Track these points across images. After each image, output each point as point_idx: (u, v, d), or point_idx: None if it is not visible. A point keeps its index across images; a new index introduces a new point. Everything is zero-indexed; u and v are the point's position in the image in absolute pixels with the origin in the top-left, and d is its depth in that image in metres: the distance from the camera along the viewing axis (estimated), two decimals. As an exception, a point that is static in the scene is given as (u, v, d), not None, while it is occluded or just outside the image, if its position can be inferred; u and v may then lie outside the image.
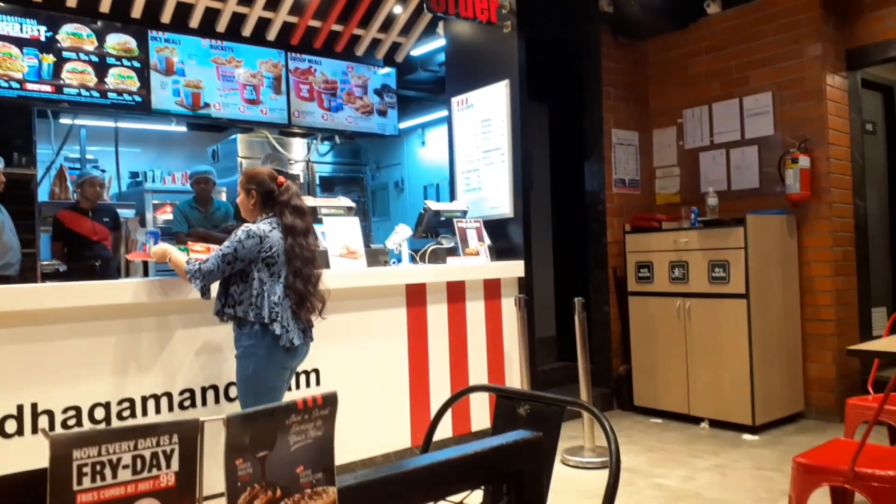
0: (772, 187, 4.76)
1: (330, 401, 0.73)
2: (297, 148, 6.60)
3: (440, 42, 5.62)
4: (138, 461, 0.59)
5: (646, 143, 5.49)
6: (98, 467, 0.57)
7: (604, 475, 3.90)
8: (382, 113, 6.00)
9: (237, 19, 5.16)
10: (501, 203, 4.68)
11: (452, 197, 5.17)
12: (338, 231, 3.90)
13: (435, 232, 4.68)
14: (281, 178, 2.86)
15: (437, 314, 4.17)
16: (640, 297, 4.95)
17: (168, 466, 0.61)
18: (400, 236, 4.47)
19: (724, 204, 4.82)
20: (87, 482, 0.57)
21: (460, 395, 1.50)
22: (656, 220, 4.99)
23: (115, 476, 0.58)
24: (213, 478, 0.65)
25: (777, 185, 4.71)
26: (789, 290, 4.63)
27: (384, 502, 0.78)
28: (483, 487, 0.99)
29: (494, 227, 4.65)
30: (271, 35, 5.31)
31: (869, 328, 4.80)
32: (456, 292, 4.27)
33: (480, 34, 4.84)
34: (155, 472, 0.60)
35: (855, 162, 4.76)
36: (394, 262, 4.42)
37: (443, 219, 4.61)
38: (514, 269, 4.49)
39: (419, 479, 0.82)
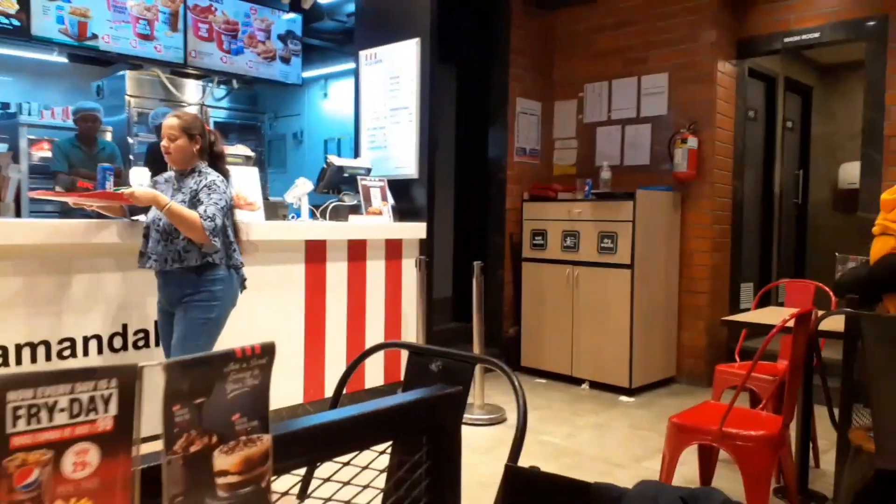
0: (661, 165, 5.03)
1: (268, 350, 0.72)
2: (191, 90, 6.27)
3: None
4: (75, 405, 0.57)
5: (547, 114, 5.63)
6: (33, 410, 0.54)
7: (494, 431, 4.05)
8: (286, 60, 5.78)
9: (132, -55, 4.80)
10: (407, 163, 4.68)
11: (356, 153, 5.10)
12: (236, 181, 3.76)
13: (337, 188, 4.61)
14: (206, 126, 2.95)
15: (336, 272, 4.14)
16: (533, 263, 5.13)
17: (106, 411, 0.59)
18: (300, 190, 4.36)
19: (617, 178, 5.05)
20: (21, 425, 0.54)
21: (373, 350, 1.52)
22: (553, 189, 5.16)
23: (51, 419, 0.56)
24: (148, 424, 0.63)
25: (666, 163, 4.98)
26: (670, 262, 4.94)
27: (319, 449, 0.79)
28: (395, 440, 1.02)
29: (398, 187, 4.64)
30: (169, -34, 4.98)
31: (738, 301, 5.22)
32: (357, 251, 4.25)
33: (393, -12, 4.75)
34: (92, 416, 0.58)
35: (737, 146, 5.10)
36: (293, 217, 4.34)
37: (346, 175, 4.55)
38: (416, 230, 4.52)
39: (349, 428, 0.84)
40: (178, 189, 2.81)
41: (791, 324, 2.51)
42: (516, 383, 1.31)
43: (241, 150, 4.17)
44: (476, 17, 5.49)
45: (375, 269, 4.36)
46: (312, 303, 3.99)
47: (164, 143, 2.77)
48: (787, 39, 4.82)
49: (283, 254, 3.86)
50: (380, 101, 4.85)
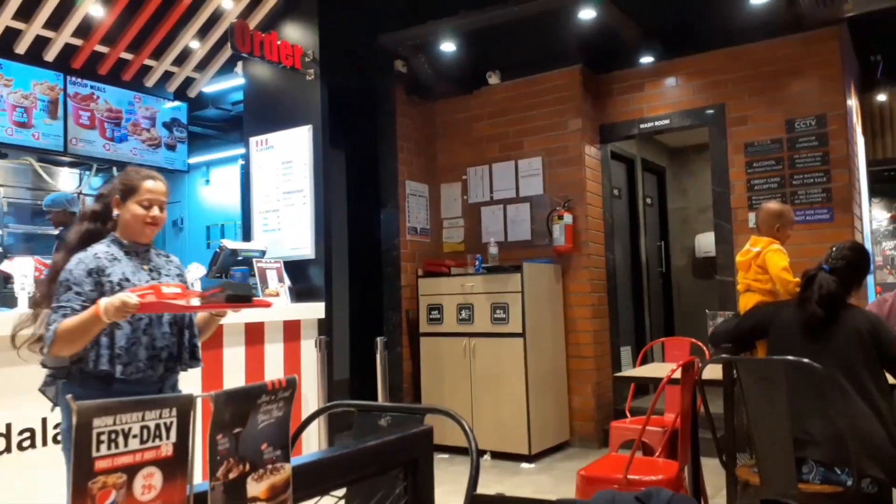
0: (541, 239, 5.40)
1: (292, 384, 0.80)
2: (66, 178, 6.04)
3: (236, 81, 5.58)
4: (145, 431, 0.63)
5: (435, 196, 5.92)
6: (113, 435, 0.60)
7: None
8: (171, 147, 5.74)
9: (11, 35, 4.67)
10: (302, 244, 4.73)
11: (247, 237, 5.09)
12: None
13: (230, 272, 4.57)
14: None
15: (233, 357, 4.05)
16: (431, 337, 5.25)
17: (168, 437, 0.65)
18: (193, 275, 4.29)
19: (503, 253, 5.35)
20: (103, 449, 0.59)
21: (319, 413, 1.56)
22: (446, 265, 5.37)
23: (126, 444, 0.61)
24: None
25: (545, 237, 5.35)
26: (557, 329, 5.24)
27: (324, 481, 0.87)
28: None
29: (295, 268, 4.67)
30: (50, 56, 4.87)
31: (619, 364, 5.58)
32: (255, 334, 4.20)
33: (283, 78, 4.92)
34: (157, 442, 0.64)
35: (606, 221, 5.58)
36: (185, 303, 4.23)
37: (240, 258, 4.53)
38: (315, 310, 4.53)
39: (348, 464, 0.92)
40: (150, 269, 2.29)
41: (678, 374, 2.78)
42: (466, 426, 1.42)
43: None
44: (363, 106, 5.75)
45: (274, 352, 4.31)
46: (210, 389, 3.86)
47: (152, 212, 2.25)
48: (642, 126, 5.43)
49: (179, 341, 3.75)
50: (272, 185, 4.91)
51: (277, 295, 4.39)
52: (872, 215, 6.95)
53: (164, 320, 2.21)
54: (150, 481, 0.63)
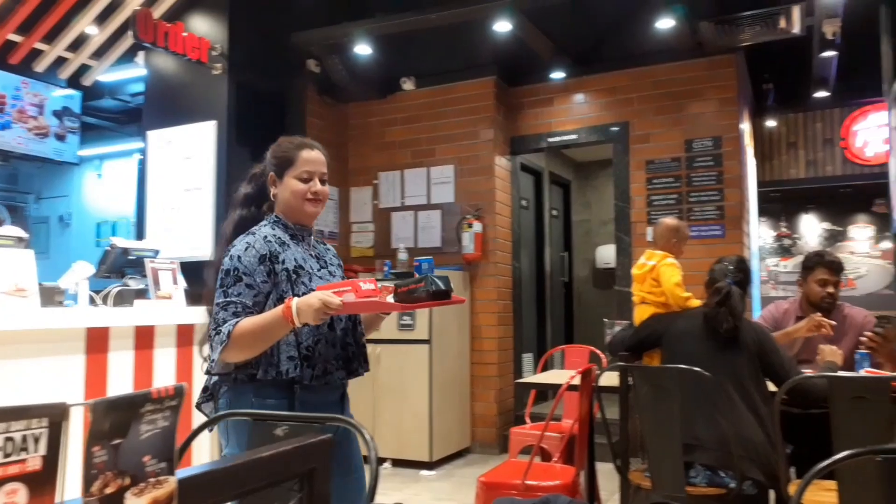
0: (451, 247, 5.42)
1: (179, 392, 0.75)
2: (-61, 166, 5.55)
3: (137, 71, 5.31)
4: (10, 444, 0.56)
5: (344, 199, 5.84)
6: (-31, 449, 0.54)
7: None
8: (61, 137, 5.39)
9: None
10: (202, 245, 4.54)
11: (140, 235, 4.84)
12: (7, 265, 3.39)
13: (121, 272, 4.32)
14: None
15: (120, 362, 3.83)
16: (334, 343, 5.15)
17: (36, 450, 0.59)
18: (79, 274, 4.03)
19: (413, 259, 5.34)
20: (-43, 464, 0.53)
21: (212, 422, 1.49)
22: (353, 270, 5.30)
23: (-15, 458, 0.55)
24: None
25: (455, 245, 5.39)
26: (463, 336, 5.27)
27: (213, 494, 0.82)
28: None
29: (192, 270, 4.46)
30: (-76, 31, 4.48)
31: (521, 371, 5.68)
32: (145, 338, 3.98)
33: (188, 72, 4.72)
34: (24, 455, 0.57)
35: (514, 231, 5.68)
36: (69, 304, 3.96)
37: (132, 258, 4.29)
38: (213, 313, 4.35)
39: (239, 475, 0.87)
40: (317, 256, 1.97)
41: (577, 381, 2.85)
42: (367, 435, 1.39)
43: (13, 230, 3.77)
44: (272, 104, 5.60)
45: (165, 357, 4.10)
46: (94, 397, 3.63)
47: (314, 186, 1.91)
48: (550, 139, 5.57)
49: (60, 344, 3.50)
50: (171, 182, 4.70)
51: (170, 298, 4.19)
52: (759, 233, 7.42)
53: (342, 315, 1.87)
54: (12, 498, 0.57)
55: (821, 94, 5.91)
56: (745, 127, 5.57)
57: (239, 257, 1.79)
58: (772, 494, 2.66)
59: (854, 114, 6.28)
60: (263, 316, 1.71)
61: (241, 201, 2.02)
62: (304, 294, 1.76)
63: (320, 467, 1.05)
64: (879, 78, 4.69)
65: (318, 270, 1.90)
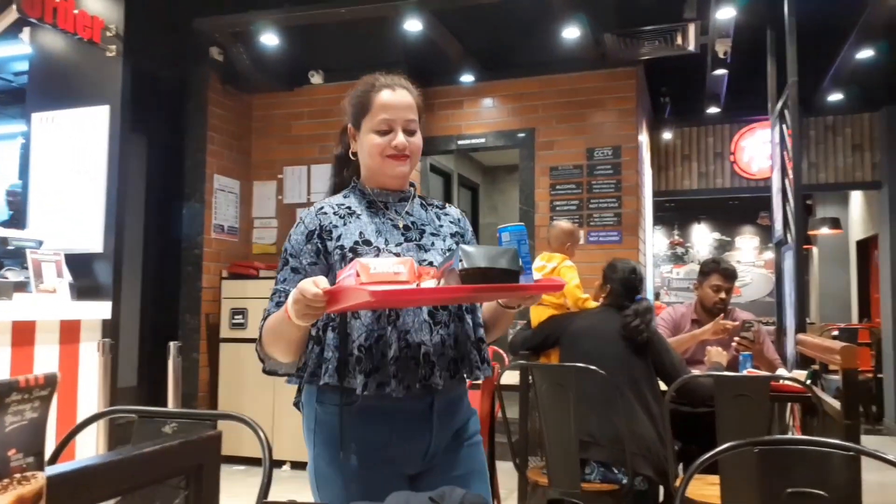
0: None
1: (51, 381, 0.68)
2: None
3: (21, 48, 4.93)
4: None
5: (246, 193, 5.65)
6: None
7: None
8: (-70, 116, 4.92)
9: None
10: (90, 237, 4.26)
11: (21, 224, 4.49)
12: None
13: (-2, 263, 4.00)
14: None
15: (-6, 359, 3.54)
16: (232, 343, 4.98)
17: None
18: (-52, 264, 3.70)
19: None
20: None
21: (92, 419, 1.38)
22: (254, 267, 5.13)
23: None
24: None
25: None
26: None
27: (90, 491, 0.75)
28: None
29: (79, 262, 4.19)
30: None
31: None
32: (23, 334, 3.70)
33: (79, 52, 4.42)
34: None
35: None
36: (-62, 296, 3.63)
37: (10, 248, 3.98)
38: (99, 310, 4.10)
39: (119, 471, 0.81)
40: (407, 227, 1.55)
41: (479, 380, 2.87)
42: (260, 433, 1.34)
43: None
44: (172, 91, 5.35)
45: (46, 355, 3.83)
46: (-37, 397, 3.34)
47: (394, 139, 1.52)
48: (459, 142, 5.61)
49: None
50: (57, 169, 4.39)
51: (54, 291, 3.91)
52: (654, 240, 7.78)
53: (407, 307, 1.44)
54: None
55: (713, 109, 6.26)
56: (644, 138, 5.82)
57: (290, 235, 1.51)
58: (662, 490, 2.78)
59: (742, 130, 6.68)
60: (278, 313, 1.40)
61: (333, 166, 1.67)
62: None
63: (209, 464, 1.00)
64: (765, 97, 5.02)
65: (398, 245, 1.47)
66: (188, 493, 0.96)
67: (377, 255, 1.42)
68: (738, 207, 10.74)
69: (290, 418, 4.79)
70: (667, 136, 6.82)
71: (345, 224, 1.48)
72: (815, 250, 10.54)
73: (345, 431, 1.42)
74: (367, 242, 1.46)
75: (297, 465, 4.76)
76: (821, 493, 1.22)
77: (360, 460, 1.42)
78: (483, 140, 5.54)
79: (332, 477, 1.46)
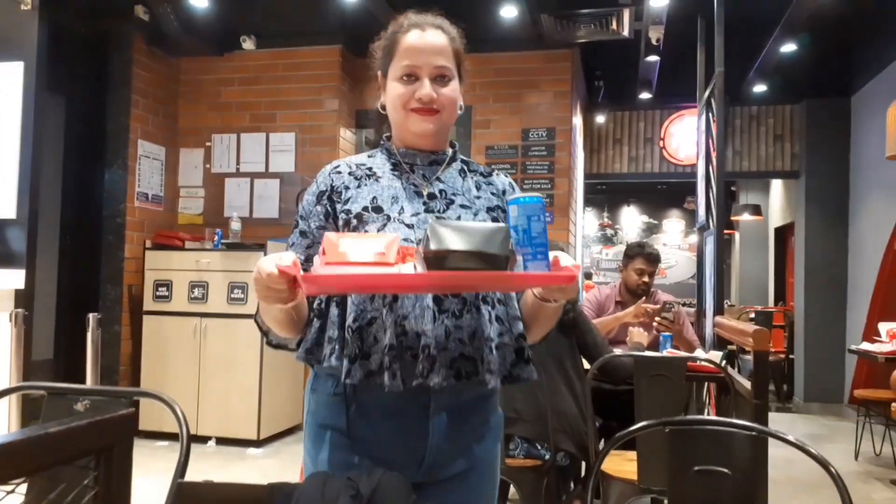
0: (289, 218, 5.25)
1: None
2: None
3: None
4: None
5: (173, 161, 5.44)
6: None
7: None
8: None
9: None
10: (1, 202, 4.03)
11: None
12: None
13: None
14: None
15: None
16: (156, 316, 4.83)
17: None
18: None
19: (247, 229, 5.11)
20: None
21: (2, 394, 1.31)
22: (180, 238, 4.97)
23: None
24: None
25: (293, 216, 5.21)
26: (297, 312, 5.13)
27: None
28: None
29: (-12, 228, 3.96)
30: None
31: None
32: (-75, 302, 3.49)
33: (-11, 3, 4.14)
34: None
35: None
36: None
37: (-89, 212, 3.73)
38: (11, 279, 3.89)
39: (21, 452, 0.77)
40: (432, 196, 1.32)
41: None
42: (177, 409, 1.30)
43: None
44: (93, 50, 5.08)
45: (-48, 326, 3.63)
46: None
47: (419, 89, 1.30)
48: (395, 116, 5.54)
49: None
50: (-35, 128, 4.11)
51: (-37, 257, 3.70)
52: (585, 222, 7.93)
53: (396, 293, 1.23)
54: None
55: (645, 95, 6.39)
56: (578, 121, 5.90)
57: (304, 195, 1.35)
58: (584, 466, 2.86)
59: (672, 117, 6.86)
60: None
61: (374, 120, 1.46)
62: None
63: (120, 444, 0.96)
64: (695, 85, 5.16)
65: (414, 216, 1.26)
66: (97, 475, 0.92)
67: (384, 226, 1.24)
68: (666, 192, 11.07)
69: (216, 393, 4.70)
70: (600, 119, 6.93)
71: (359, 186, 1.30)
72: (737, 235, 10.99)
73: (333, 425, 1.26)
74: (378, 209, 1.27)
75: (223, 441, 4.68)
76: (724, 470, 1.27)
77: (344, 459, 1.23)
78: (420, 116, 5.49)
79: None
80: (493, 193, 1.37)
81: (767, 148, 6.74)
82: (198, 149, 5.46)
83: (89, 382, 3.76)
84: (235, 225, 4.95)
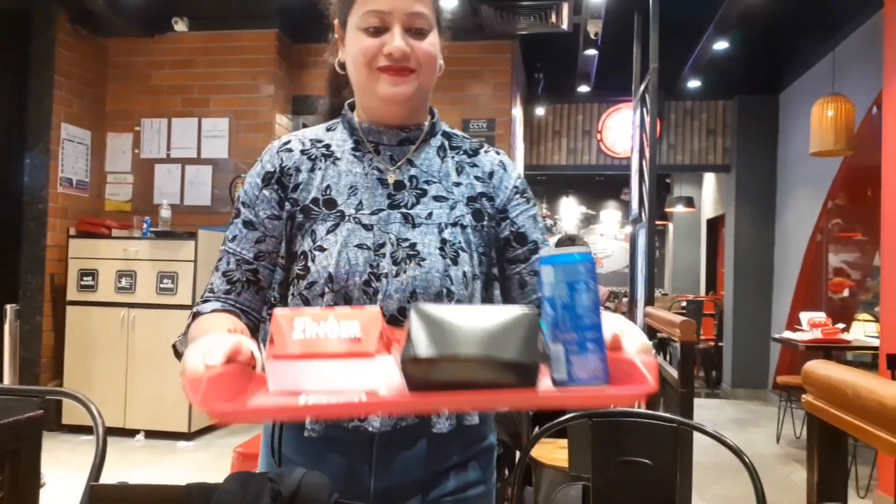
0: (223, 206, 5.11)
1: None
2: None
3: None
4: None
5: (99, 145, 5.22)
6: None
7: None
8: None
9: None
10: None
11: None
12: None
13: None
14: None
15: None
16: (80, 306, 4.64)
17: None
18: None
19: (178, 217, 4.95)
20: None
21: None
22: (106, 226, 4.78)
23: None
24: None
25: (227, 204, 5.09)
26: (231, 302, 5.01)
27: None
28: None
29: None
30: None
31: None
32: None
33: None
34: None
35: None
36: None
37: None
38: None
39: None
40: (398, 184, 1.06)
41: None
42: (94, 409, 1.24)
43: None
44: (13, 27, 4.81)
45: None
46: None
47: (388, 43, 1.01)
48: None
49: None
50: None
51: None
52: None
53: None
54: None
55: (583, 88, 6.48)
56: (518, 112, 5.93)
57: (247, 177, 1.10)
58: (517, 456, 2.89)
59: (609, 110, 6.98)
60: (206, 328, 0.97)
61: (327, 81, 1.19)
62: (311, 258, 1.00)
63: (28, 447, 0.91)
64: (630, 79, 5.25)
65: (374, 214, 1.02)
66: (4, 476, 0.88)
67: (336, 227, 1.00)
68: (604, 183, 11.28)
69: (144, 386, 4.56)
70: (539, 111, 6.99)
71: (312, 170, 1.05)
72: (671, 226, 11.30)
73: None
74: (330, 203, 1.02)
75: (152, 434, 4.54)
76: (646, 461, 1.30)
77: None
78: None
79: None
80: (477, 177, 1.11)
81: (700, 142, 6.94)
82: (126, 133, 5.25)
83: (7, 377, 3.59)
84: (165, 212, 4.79)
